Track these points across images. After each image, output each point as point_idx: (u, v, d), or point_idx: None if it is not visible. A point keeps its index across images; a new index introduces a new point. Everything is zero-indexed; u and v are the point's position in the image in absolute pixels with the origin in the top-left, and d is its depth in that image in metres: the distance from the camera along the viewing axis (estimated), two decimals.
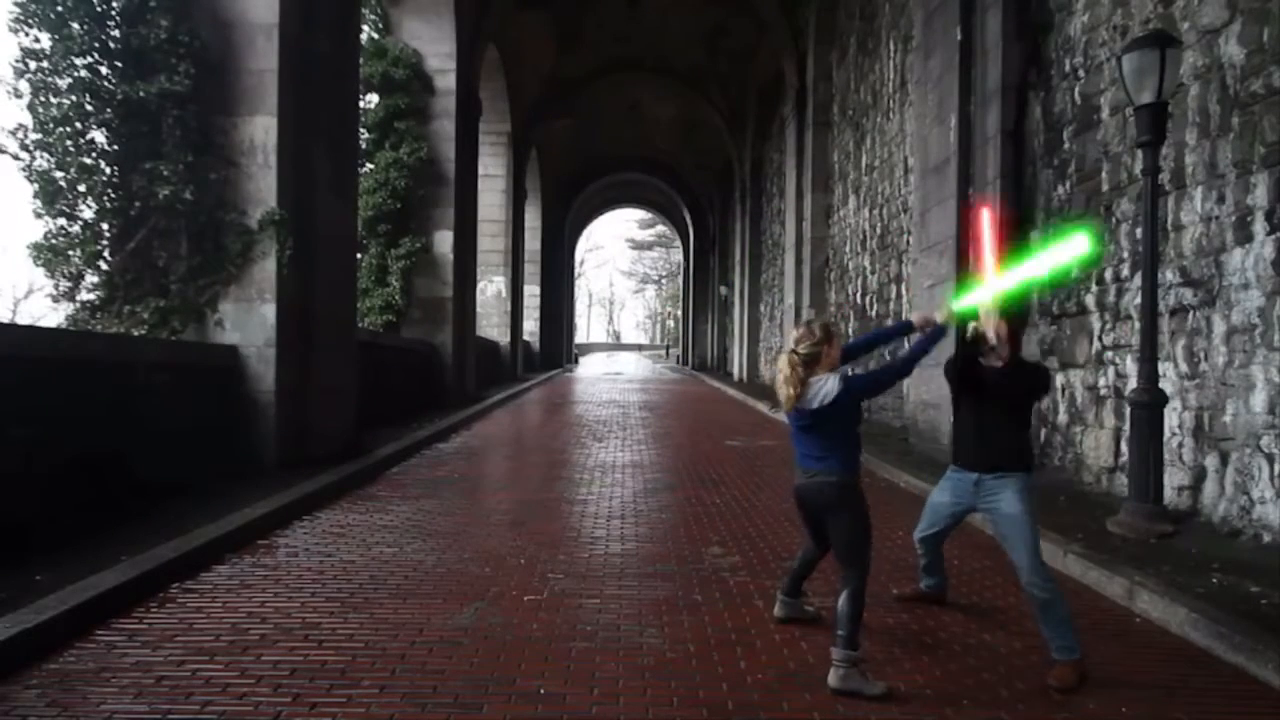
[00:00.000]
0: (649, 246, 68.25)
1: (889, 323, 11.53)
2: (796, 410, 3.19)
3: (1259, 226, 4.78)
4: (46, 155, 6.19)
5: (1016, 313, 3.45)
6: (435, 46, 13.83)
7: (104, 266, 6.59)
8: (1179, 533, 4.90)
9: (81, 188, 6.36)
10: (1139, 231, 5.58)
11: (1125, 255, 6.11)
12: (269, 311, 6.89)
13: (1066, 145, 6.88)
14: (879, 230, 12.17)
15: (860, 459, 3.32)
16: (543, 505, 6.26)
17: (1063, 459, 6.86)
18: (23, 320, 18.47)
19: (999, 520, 3.38)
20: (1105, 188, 6.36)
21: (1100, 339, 6.38)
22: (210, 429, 6.49)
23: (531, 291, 28.23)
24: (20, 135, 6.09)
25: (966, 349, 3.52)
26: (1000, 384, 3.45)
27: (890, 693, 2.98)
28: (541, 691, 2.96)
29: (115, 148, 6.50)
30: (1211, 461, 5.12)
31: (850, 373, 3.28)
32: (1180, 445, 5.37)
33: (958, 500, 3.61)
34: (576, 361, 42.90)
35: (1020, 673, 3.21)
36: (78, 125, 6.25)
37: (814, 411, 3.15)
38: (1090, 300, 6.52)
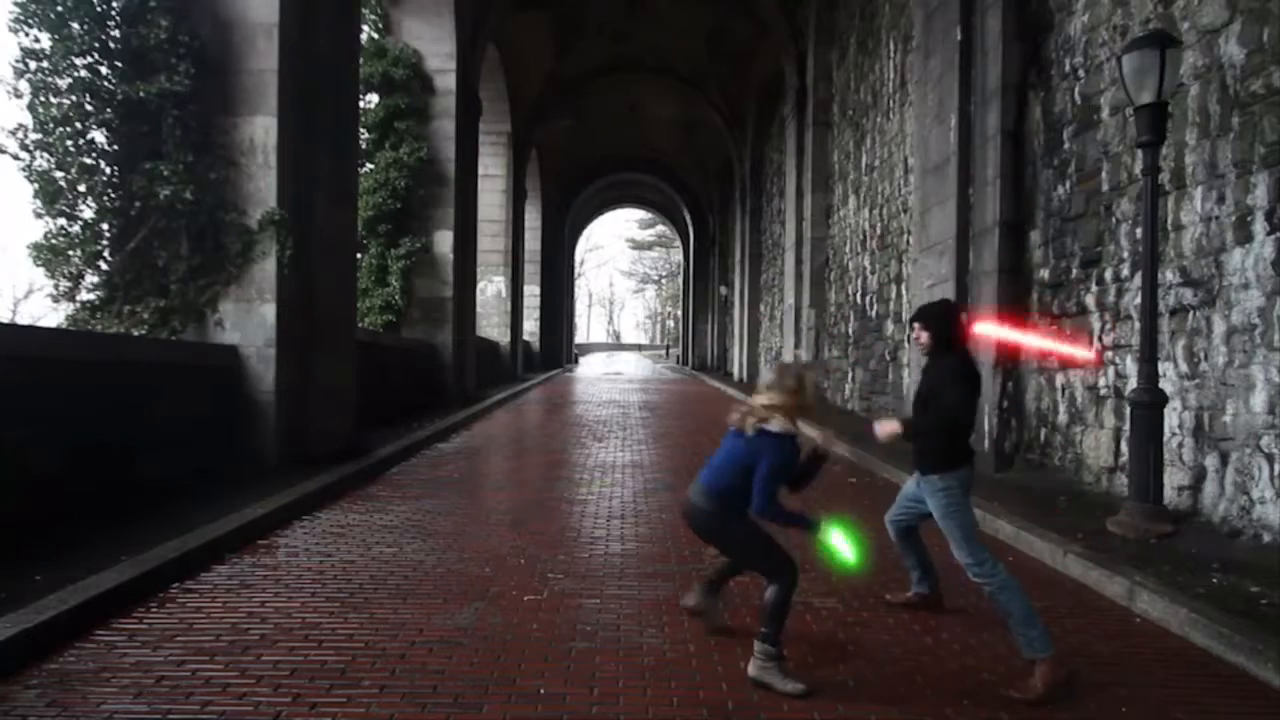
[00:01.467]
0: (649, 246, 68.25)
1: (889, 323, 11.53)
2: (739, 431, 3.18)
3: (1259, 226, 4.78)
4: (46, 155, 6.19)
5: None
6: (435, 46, 13.83)
7: (104, 266, 6.59)
8: (1179, 533, 4.90)
9: (81, 188, 6.36)
10: (1139, 231, 5.58)
11: (1125, 255, 6.11)
12: (269, 311, 6.89)
13: (1066, 145, 6.88)
14: (879, 230, 12.16)
15: (747, 511, 3.16)
16: (543, 505, 6.26)
17: (1063, 459, 6.86)
18: (22, 320, 18.47)
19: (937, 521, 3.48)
20: (1105, 188, 6.36)
21: (1100, 339, 6.38)
22: (210, 429, 6.49)
23: (531, 291, 28.22)
24: (20, 135, 6.09)
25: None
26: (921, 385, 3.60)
27: (809, 691, 2.96)
28: (541, 691, 2.96)
29: (115, 148, 6.50)
30: (1211, 461, 5.12)
31: (788, 449, 3.17)
32: (1180, 445, 5.37)
33: (915, 492, 3.70)
34: (576, 361, 42.90)
35: (1020, 673, 3.21)
36: (78, 125, 6.25)
37: (752, 439, 3.12)
38: (1090, 300, 6.52)
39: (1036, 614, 3.14)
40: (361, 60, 10.34)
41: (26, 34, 6.08)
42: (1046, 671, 3.00)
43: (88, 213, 6.47)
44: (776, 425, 3.13)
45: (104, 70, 6.36)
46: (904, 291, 10.90)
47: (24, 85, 6.09)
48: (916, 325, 3.61)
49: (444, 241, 13.88)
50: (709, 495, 3.22)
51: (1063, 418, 6.88)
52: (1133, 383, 5.52)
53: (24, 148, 6.11)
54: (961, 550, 3.32)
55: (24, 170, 6.15)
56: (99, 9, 6.27)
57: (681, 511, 3.39)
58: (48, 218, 6.32)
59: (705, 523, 3.27)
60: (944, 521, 3.40)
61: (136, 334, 6.49)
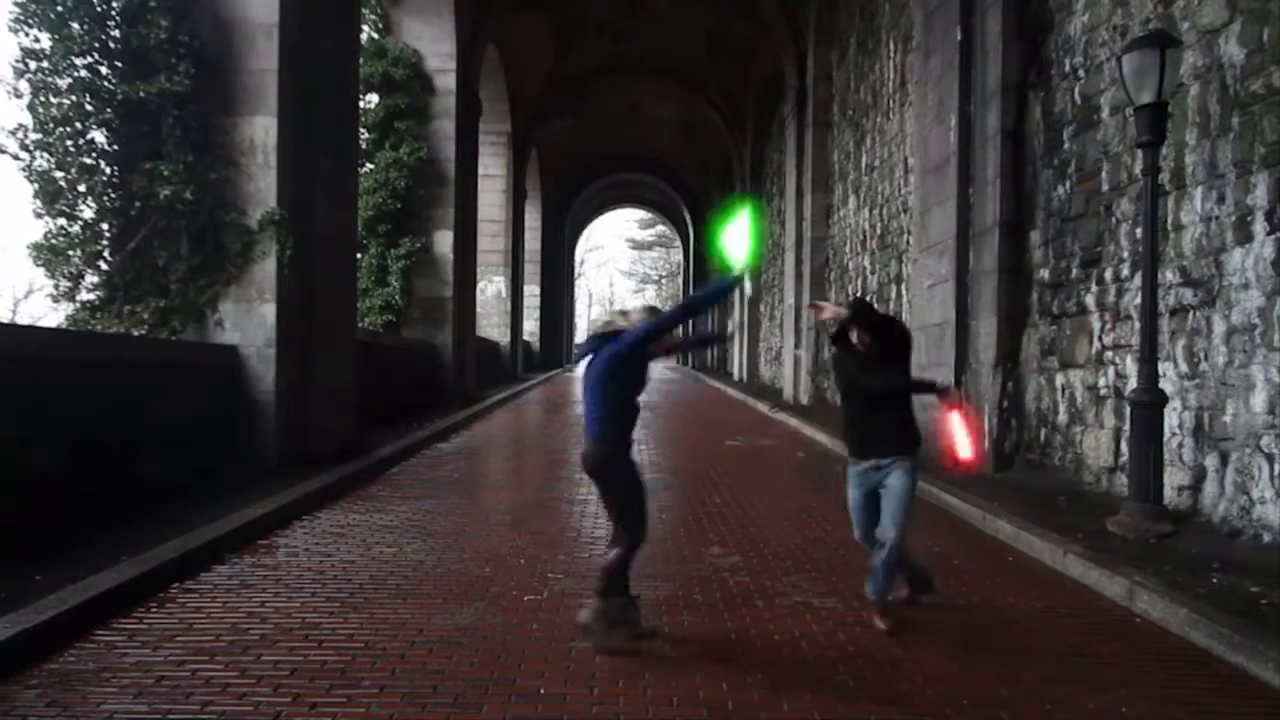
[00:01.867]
0: (649, 246, 68.14)
1: None
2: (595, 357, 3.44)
3: (1259, 226, 4.78)
4: (46, 155, 6.19)
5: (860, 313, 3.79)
6: (435, 46, 13.83)
7: (104, 266, 6.60)
8: (1179, 533, 4.90)
9: (81, 188, 6.36)
10: (1139, 231, 5.57)
11: (1125, 255, 6.11)
12: (269, 311, 6.89)
13: (1066, 145, 6.88)
14: (879, 230, 12.16)
15: (630, 431, 3.48)
16: (543, 505, 6.26)
17: (1063, 459, 6.86)
18: (22, 320, 18.47)
19: (887, 493, 3.67)
20: (1105, 188, 6.36)
21: (1100, 339, 6.38)
22: (210, 429, 6.49)
23: (531, 291, 28.21)
24: (20, 135, 6.09)
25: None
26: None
27: (643, 647, 3.25)
28: (541, 691, 2.96)
29: (115, 148, 6.50)
30: (1211, 461, 5.12)
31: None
32: (1180, 445, 5.37)
33: (870, 488, 3.78)
34: (576, 361, 42.86)
35: (1020, 673, 3.22)
36: (78, 125, 6.25)
37: (607, 358, 3.40)
38: (1090, 300, 6.51)
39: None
40: (361, 60, 10.34)
41: (26, 34, 6.09)
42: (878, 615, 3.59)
43: (88, 213, 6.48)
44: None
45: (104, 70, 6.37)
46: (904, 291, 10.90)
47: (24, 85, 6.10)
48: (855, 328, 3.72)
49: (444, 241, 13.88)
50: (598, 431, 3.41)
51: (1063, 418, 6.87)
52: (1133, 383, 5.52)
53: (24, 148, 6.12)
54: (899, 526, 3.56)
55: (24, 170, 6.16)
56: (99, 9, 6.27)
57: (581, 458, 3.55)
58: (48, 218, 6.32)
59: (598, 460, 3.43)
60: (905, 496, 3.58)
61: (136, 334, 6.49)
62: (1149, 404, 5.03)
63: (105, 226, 6.54)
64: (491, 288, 21.12)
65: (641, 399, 3.49)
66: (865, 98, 13.02)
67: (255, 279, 6.89)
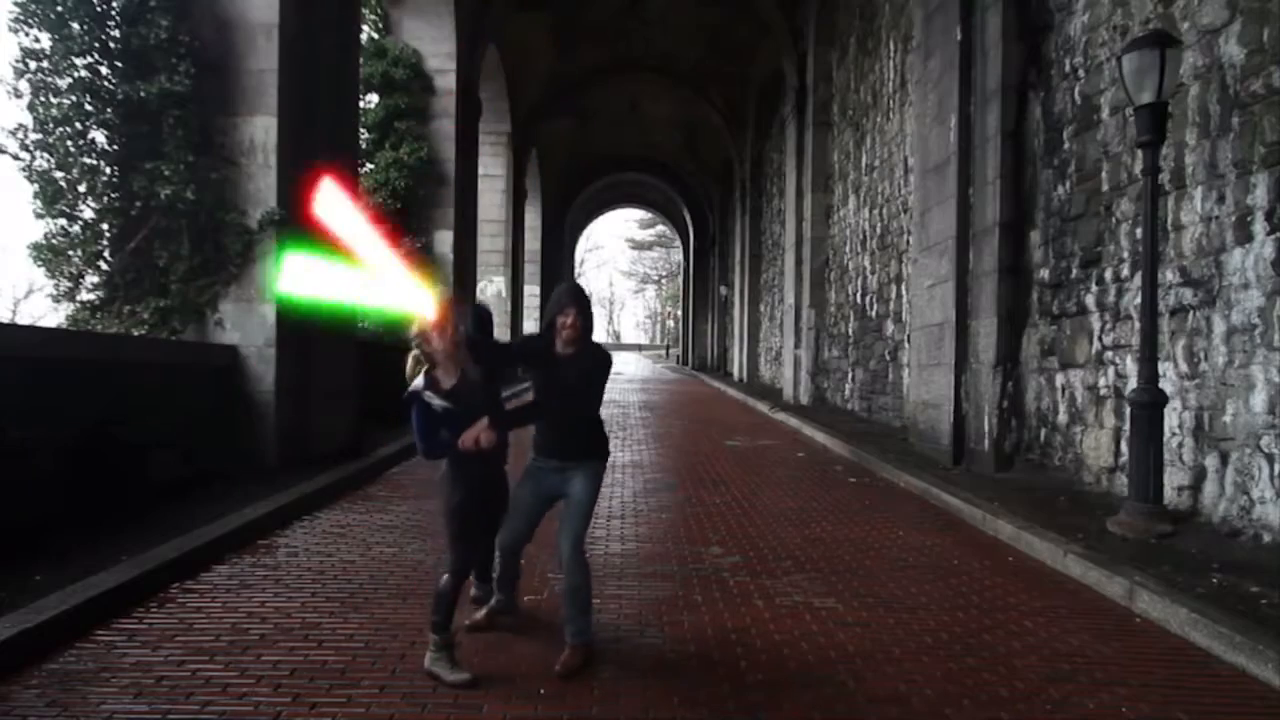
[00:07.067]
0: (649, 246, 68.19)
1: (889, 323, 11.54)
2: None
3: (1259, 226, 4.78)
4: (46, 155, 6.19)
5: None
6: (435, 46, 13.84)
7: (104, 266, 6.60)
8: (1179, 533, 4.90)
9: (82, 188, 6.36)
10: (1139, 231, 5.57)
11: (1125, 255, 6.11)
12: (269, 311, 6.89)
13: (1066, 145, 6.88)
14: (879, 230, 12.16)
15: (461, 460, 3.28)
16: None
17: (1063, 459, 6.86)
18: (22, 320, 18.46)
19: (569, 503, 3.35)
20: (1105, 188, 6.36)
21: (1100, 339, 6.38)
22: (210, 429, 6.48)
23: (531, 291, 28.19)
24: (20, 135, 6.09)
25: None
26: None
27: (474, 681, 2.96)
28: (541, 691, 2.96)
29: (115, 148, 6.51)
30: (1211, 461, 5.12)
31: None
32: (1180, 445, 5.37)
33: (548, 490, 3.48)
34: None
35: (1020, 673, 3.22)
36: (78, 125, 6.26)
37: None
38: (1090, 300, 6.51)
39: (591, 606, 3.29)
40: (361, 60, 10.34)
41: (26, 34, 6.09)
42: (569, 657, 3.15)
43: (88, 213, 6.48)
44: (417, 382, 3.24)
45: (104, 70, 6.37)
46: (904, 291, 10.90)
47: (24, 85, 6.10)
48: (573, 312, 3.34)
49: (444, 241, 13.89)
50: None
51: (1063, 418, 6.87)
52: (1133, 383, 5.52)
53: (24, 148, 6.12)
54: (580, 534, 3.28)
55: (24, 170, 6.16)
56: (99, 9, 6.27)
57: None
58: (48, 218, 6.33)
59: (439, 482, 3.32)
60: (589, 506, 3.34)
61: (137, 334, 6.49)
62: (1149, 404, 5.03)
63: (105, 226, 6.54)
64: (491, 288, 21.13)
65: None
66: (865, 98, 13.02)
67: (255, 279, 6.89)
